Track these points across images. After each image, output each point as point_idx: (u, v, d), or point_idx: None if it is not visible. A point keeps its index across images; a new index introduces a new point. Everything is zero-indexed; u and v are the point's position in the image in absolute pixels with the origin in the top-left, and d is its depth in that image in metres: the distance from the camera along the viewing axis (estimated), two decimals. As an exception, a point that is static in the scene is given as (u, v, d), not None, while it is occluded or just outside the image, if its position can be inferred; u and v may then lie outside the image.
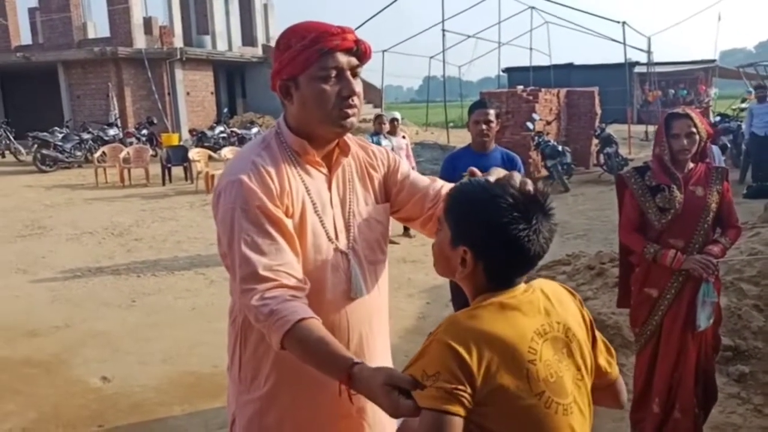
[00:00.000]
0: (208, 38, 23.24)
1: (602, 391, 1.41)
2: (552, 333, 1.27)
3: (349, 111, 1.53)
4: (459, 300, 3.00)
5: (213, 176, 11.31)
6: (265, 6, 26.69)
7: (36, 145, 15.67)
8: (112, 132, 17.48)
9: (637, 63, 23.18)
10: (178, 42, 21.77)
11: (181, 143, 15.87)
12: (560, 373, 1.25)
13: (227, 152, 12.68)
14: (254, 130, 17.49)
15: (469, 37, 22.87)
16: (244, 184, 1.46)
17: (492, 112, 3.71)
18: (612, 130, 12.89)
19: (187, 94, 21.27)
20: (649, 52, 19.58)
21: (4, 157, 18.40)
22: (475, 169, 1.54)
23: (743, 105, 17.87)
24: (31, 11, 24.09)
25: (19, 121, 19.79)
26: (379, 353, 1.70)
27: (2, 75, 21.91)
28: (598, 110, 13.80)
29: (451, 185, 1.55)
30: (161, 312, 5.42)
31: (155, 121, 18.42)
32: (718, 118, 14.69)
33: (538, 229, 1.23)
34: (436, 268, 1.39)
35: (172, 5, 21.91)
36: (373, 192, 1.70)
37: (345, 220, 1.62)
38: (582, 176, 12.60)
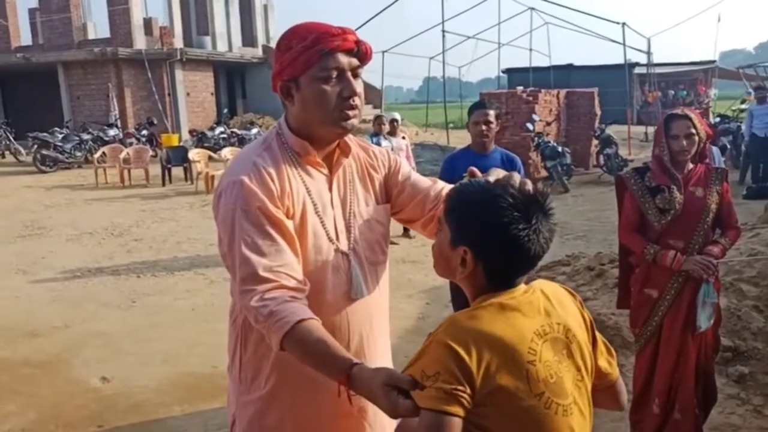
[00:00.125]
0: (208, 39, 23.23)
1: (602, 392, 1.41)
2: (552, 334, 1.27)
3: (350, 112, 1.53)
4: (459, 301, 3.00)
5: (213, 177, 11.31)
6: (265, 7, 26.68)
7: (36, 146, 15.66)
8: (112, 132, 17.47)
9: (637, 64, 23.15)
10: (179, 43, 21.75)
11: (181, 144, 15.84)
12: (560, 374, 1.25)
13: (227, 153, 12.67)
14: (254, 130, 17.49)
15: (469, 37, 22.85)
16: (245, 184, 1.46)
17: (492, 112, 3.71)
18: (612, 131, 12.90)
19: (187, 94, 21.27)
20: (648, 53, 19.58)
21: (4, 157, 18.38)
22: (475, 170, 1.54)
23: (743, 106, 17.91)
24: (31, 12, 24.04)
25: (19, 121, 19.80)
26: (380, 354, 1.70)
27: (2, 75, 21.90)
28: (598, 111, 13.79)
29: (451, 186, 1.55)
30: (161, 312, 5.42)
31: (155, 122, 18.41)
32: (717, 119, 14.71)
33: (538, 229, 1.23)
34: (436, 269, 1.39)
35: (172, 6, 21.90)
36: (373, 193, 1.70)
37: (346, 221, 1.62)
38: (582, 177, 12.60)
